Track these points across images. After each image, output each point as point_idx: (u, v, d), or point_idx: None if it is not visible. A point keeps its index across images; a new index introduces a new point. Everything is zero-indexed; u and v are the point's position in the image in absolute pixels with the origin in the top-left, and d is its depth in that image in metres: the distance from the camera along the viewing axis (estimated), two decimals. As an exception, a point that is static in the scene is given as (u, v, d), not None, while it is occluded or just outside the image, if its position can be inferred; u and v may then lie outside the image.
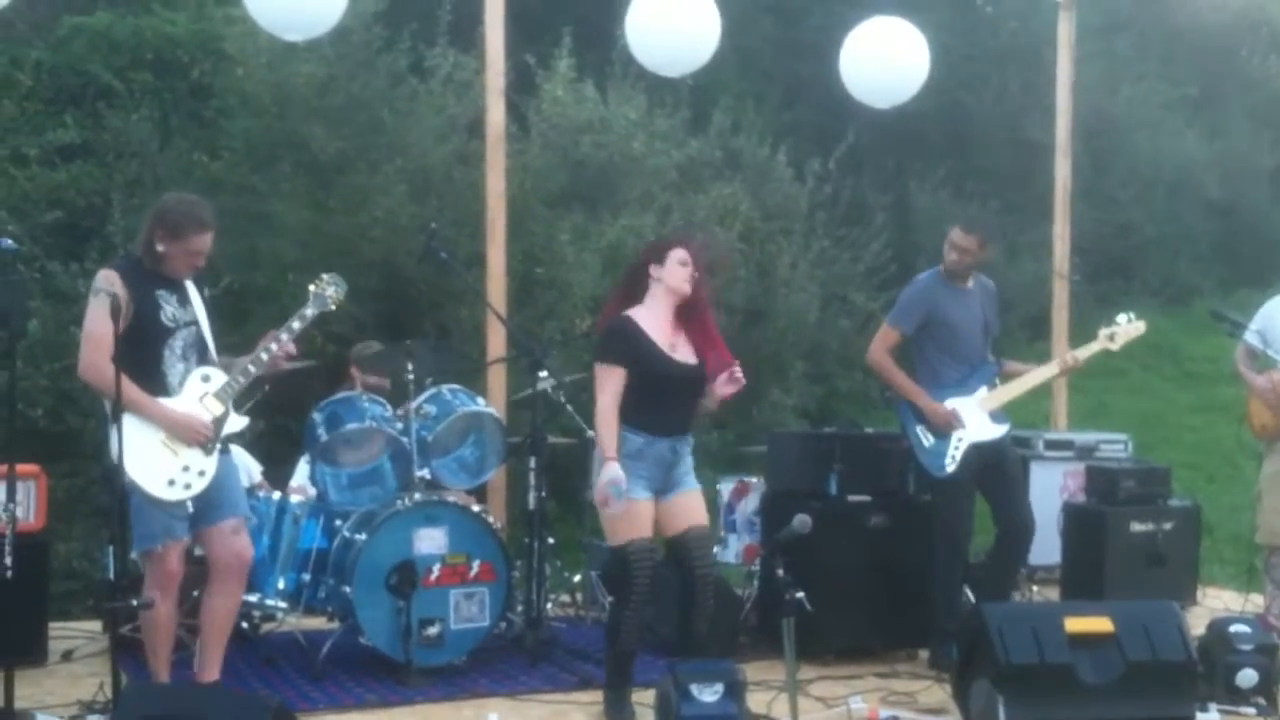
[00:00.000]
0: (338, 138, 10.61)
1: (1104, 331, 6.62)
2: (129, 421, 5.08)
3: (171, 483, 5.19)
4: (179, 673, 5.58)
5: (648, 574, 5.49)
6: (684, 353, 5.56)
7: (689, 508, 5.57)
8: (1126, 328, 6.59)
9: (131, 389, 5.09)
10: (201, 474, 5.25)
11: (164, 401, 5.20)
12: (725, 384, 5.48)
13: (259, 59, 10.61)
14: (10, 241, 5.06)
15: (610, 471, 5.29)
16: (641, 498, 5.45)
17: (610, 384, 5.43)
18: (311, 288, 5.53)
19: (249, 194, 10.32)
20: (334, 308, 5.59)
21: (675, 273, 5.53)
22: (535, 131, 11.49)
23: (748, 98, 13.80)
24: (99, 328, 5.05)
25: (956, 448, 6.43)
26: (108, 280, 5.16)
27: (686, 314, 5.60)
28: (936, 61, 8.17)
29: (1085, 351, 6.66)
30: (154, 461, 5.15)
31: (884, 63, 7.97)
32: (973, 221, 7.03)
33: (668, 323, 5.56)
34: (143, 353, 5.18)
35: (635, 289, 5.61)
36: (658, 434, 5.46)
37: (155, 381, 5.21)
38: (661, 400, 5.47)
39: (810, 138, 14.01)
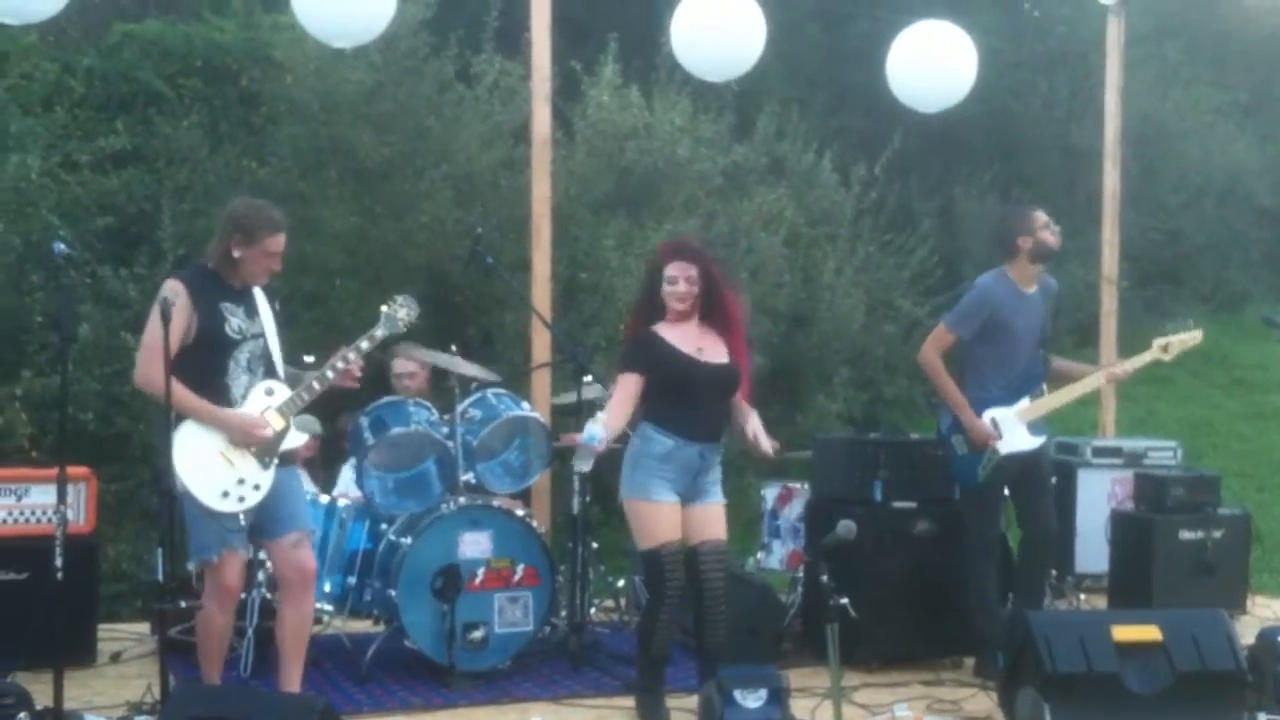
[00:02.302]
0: (384, 144, 10.65)
1: (1158, 341, 6.47)
2: (188, 430, 5.13)
3: (225, 494, 5.20)
4: (226, 674, 5.62)
5: (680, 577, 5.51)
6: (712, 353, 5.60)
7: (708, 520, 5.61)
8: (1182, 336, 6.44)
9: (187, 395, 5.12)
10: (257, 487, 5.26)
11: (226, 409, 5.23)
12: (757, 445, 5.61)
13: (307, 66, 10.67)
14: (63, 246, 5.10)
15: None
16: (667, 500, 5.52)
17: (622, 388, 5.56)
18: (384, 308, 5.55)
19: (296, 200, 10.37)
20: (404, 329, 5.60)
21: (667, 293, 5.62)
22: (580, 137, 11.50)
23: (793, 103, 13.72)
24: (155, 338, 5.06)
25: (990, 459, 6.39)
26: (172, 290, 5.18)
27: (706, 315, 5.65)
28: (984, 66, 8.13)
29: (1136, 362, 6.54)
30: (209, 472, 5.18)
31: (931, 67, 7.95)
32: (1032, 203, 6.93)
33: (691, 329, 5.62)
34: (206, 364, 5.21)
35: (655, 307, 5.67)
36: (690, 438, 5.52)
37: (218, 393, 5.23)
38: (693, 402, 5.54)
39: (856, 143, 13.95)
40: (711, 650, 5.60)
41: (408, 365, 7.17)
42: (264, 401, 5.32)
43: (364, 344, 5.45)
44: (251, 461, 5.25)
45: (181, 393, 5.10)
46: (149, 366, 5.13)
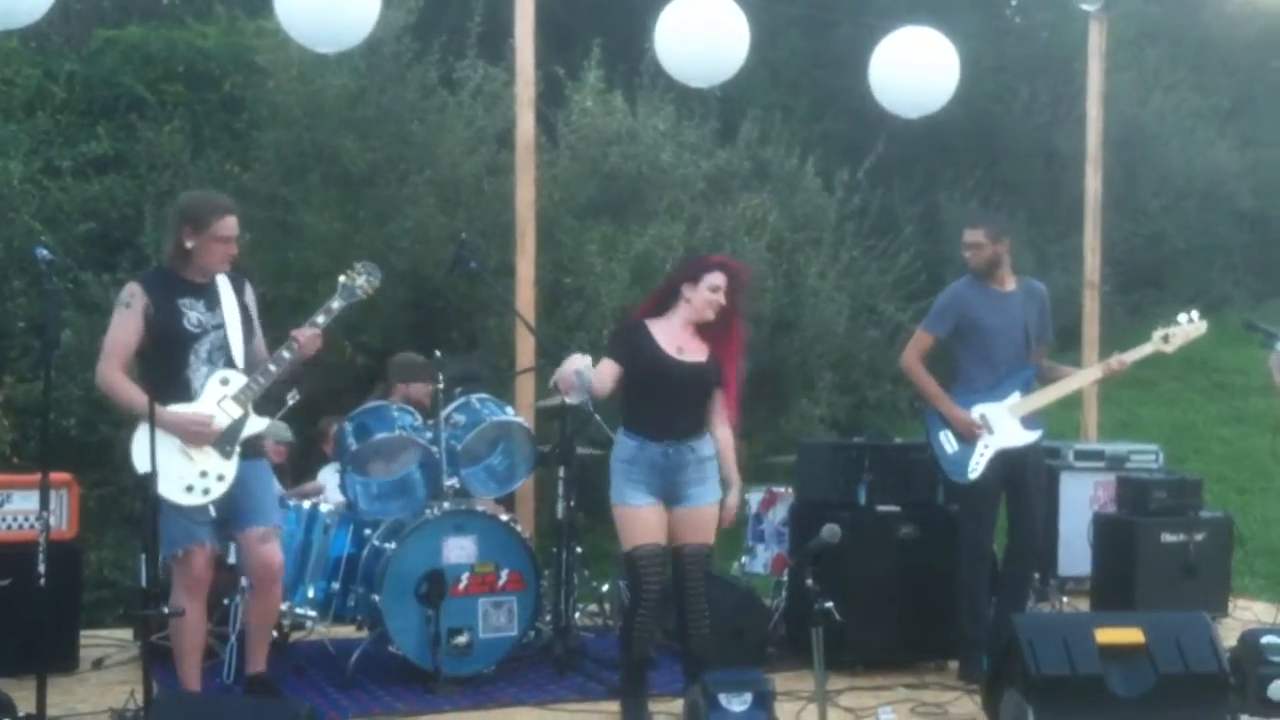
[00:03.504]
0: (368, 149, 10.65)
1: (1158, 333, 6.43)
2: (145, 428, 5.13)
3: (190, 488, 5.24)
4: (209, 680, 5.61)
5: (657, 579, 5.50)
6: (691, 353, 5.57)
7: (690, 523, 5.58)
8: (1186, 328, 6.38)
9: (133, 397, 5.20)
10: (220, 478, 5.29)
11: (172, 407, 5.24)
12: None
13: (290, 71, 10.66)
14: (45, 251, 5.11)
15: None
16: (644, 503, 5.48)
17: (602, 368, 5.53)
18: (341, 278, 5.59)
19: (279, 205, 10.37)
20: (364, 298, 5.60)
21: (703, 297, 5.56)
22: (564, 143, 11.51)
23: (776, 108, 13.77)
24: (115, 339, 5.25)
25: (982, 455, 6.41)
26: (129, 292, 5.29)
27: (712, 334, 5.62)
28: (966, 71, 8.16)
29: (1134, 354, 6.49)
30: (170, 468, 5.17)
31: (914, 73, 7.97)
32: (977, 217, 7.01)
33: (683, 331, 5.59)
34: (166, 359, 5.26)
35: (666, 301, 5.64)
36: (651, 437, 5.48)
37: (179, 387, 5.28)
38: (658, 399, 5.50)
39: (839, 148, 13.99)
40: (695, 652, 5.58)
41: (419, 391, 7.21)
42: (219, 391, 5.34)
43: (320, 318, 5.48)
44: (211, 453, 5.28)
45: (128, 395, 5.21)
46: (104, 365, 5.27)
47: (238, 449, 5.33)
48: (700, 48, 7.73)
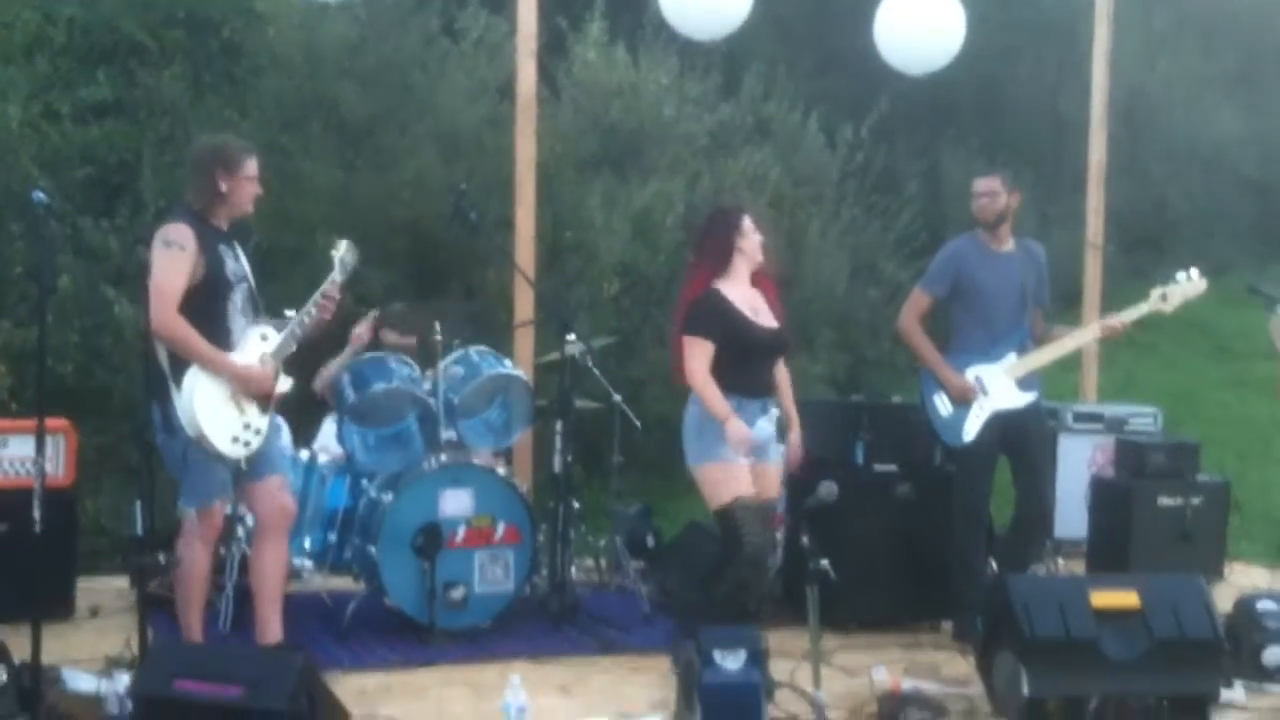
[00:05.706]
0: (368, 99, 10.57)
1: (1156, 291, 6.34)
2: (198, 377, 5.17)
3: (235, 439, 5.29)
4: (205, 629, 5.61)
5: (756, 532, 5.54)
6: (765, 317, 5.69)
7: (768, 479, 5.72)
8: (1184, 286, 6.27)
9: (204, 345, 5.19)
10: (259, 432, 5.36)
11: (232, 356, 5.30)
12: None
13: (290, 18, 10.57)
14: (42, 194, 5.07)
15: (739, 428, 5.43)
16: (738, 459, 5.52)
17: (701, 354, 5.53)
18: (334, 253, 5.61)
19: (278, 154, 10.28)
20: (352, 269, 5.66)
21: (753, 241, 5.68)
22: (566, 95, 11.43)
23: (780, 64, 13.62)
24: (172, 281, 5.13)
25: (977, 417, 6.40)
26: (179, 234, 5.20)
27: (757, 277, 5.77)
28: (972, 30, 8.10)
29: (1133, 313, 6.40)
30: (222, 418, 5.23)
31: (919, 29, 7.93)
32: (991, 167, 6.98)
33: (747, 288, 5.69)
34: (210, 307, 5.26)
35: (723, 262, 5.66)
36: (750, 394, 5.57)
37: (221, 335, 5.29)
38: (749, 364, 5.60)
39: (842, 105, 13.87)
40: (753, 608, 5.66)
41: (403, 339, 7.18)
42: (260, 346, 5.40)
43: (329, 289, 5.53)
44: (254, 406, 5.34)
45: (198, 341, 5.17)
46: (166, 309, 5.14)
47: (272, 405, 5.41)
48: (704, 1, 7.67)
